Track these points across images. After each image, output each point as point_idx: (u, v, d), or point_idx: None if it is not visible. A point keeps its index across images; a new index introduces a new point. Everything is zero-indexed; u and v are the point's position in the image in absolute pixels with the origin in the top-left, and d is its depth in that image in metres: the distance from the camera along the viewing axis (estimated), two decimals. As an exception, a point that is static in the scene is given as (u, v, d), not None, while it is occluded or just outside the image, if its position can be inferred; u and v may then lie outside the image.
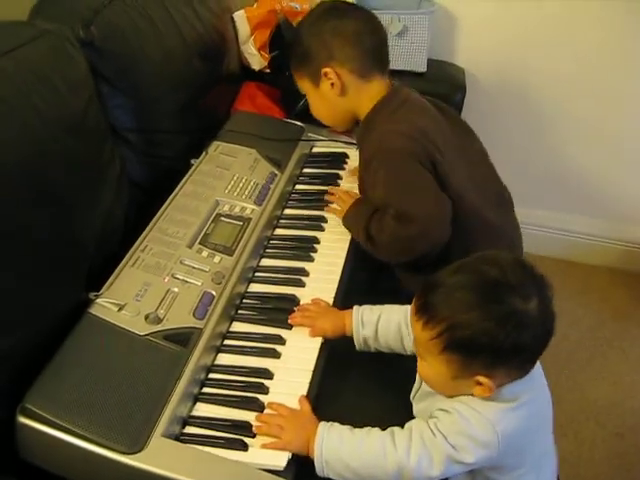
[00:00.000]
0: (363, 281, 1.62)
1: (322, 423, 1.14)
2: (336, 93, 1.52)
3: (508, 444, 1.08)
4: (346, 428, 1.13)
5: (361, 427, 1.14)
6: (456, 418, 1.08)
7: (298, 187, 1.78)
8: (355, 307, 1.36)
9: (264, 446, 1.13)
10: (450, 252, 1.35)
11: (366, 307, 1.36)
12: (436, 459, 1.07)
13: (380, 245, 1.46)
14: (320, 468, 1.11)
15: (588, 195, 2.64)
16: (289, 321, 1.36)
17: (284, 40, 1.99)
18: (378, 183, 1.45)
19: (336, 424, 1.14)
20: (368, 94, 1.52)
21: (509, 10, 2.22)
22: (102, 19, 1.49)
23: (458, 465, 1.08)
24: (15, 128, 1.15)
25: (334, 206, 1.67)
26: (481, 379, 1.06)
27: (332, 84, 1.51)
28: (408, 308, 1.24)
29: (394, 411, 1.28)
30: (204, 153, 1.73)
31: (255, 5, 2.12)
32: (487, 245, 1.34)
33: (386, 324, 1.32)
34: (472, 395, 1.10)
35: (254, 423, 1.17)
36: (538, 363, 1.14)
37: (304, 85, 1.58)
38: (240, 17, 2.07)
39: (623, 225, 2.69)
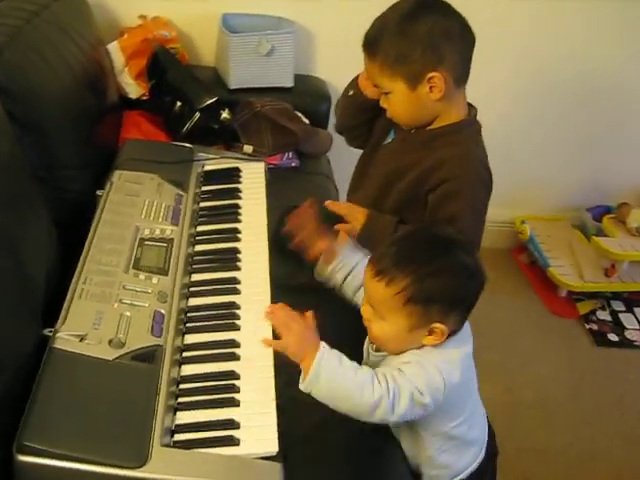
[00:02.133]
0: (283, 277, 1.66)
1: (324, 344, 1.23)
2: (434, 98, 1.44)
3: (450, 391, 1.23)
4: (343, 355, 1.23)
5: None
6: (414, 365, 1.23)
7: (203, 204, 1.84)
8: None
9: (266, 341, 1.28)
10: None
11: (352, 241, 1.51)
12: (402, 397, 1.20)
13: None
14: (309, 382, 1.19)
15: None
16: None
17: (162, 67, 2.05)
18: (450, 197, 1.44)
19: (335, 349, 1.23)
20: (458, 102, 1.50)
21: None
22: (4, 61, 1.50)
23: (418, 406, 1.22)
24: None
25: (346, 226, 1.56)
26: (437, 326, 1.22)
27: (431, 88, 1.42)
28: None
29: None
30: (109, 183, 1.75)
31: (126, 36, 2.16)
32: None
33: (361, 269, 1.39)
34: (422, 347, 1.25)
35: (268, 309, 1.32)
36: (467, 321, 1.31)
37: (393, 85, 1.45)
38: (114, 48, 2.11)
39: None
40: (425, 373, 1.21)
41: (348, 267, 1.47)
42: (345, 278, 1.47)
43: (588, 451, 2.22)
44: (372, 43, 1.46)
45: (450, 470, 1.39)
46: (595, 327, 2.73)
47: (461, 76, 1.47)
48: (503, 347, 2.58)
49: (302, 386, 1.20)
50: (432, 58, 1.40)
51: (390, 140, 1.65)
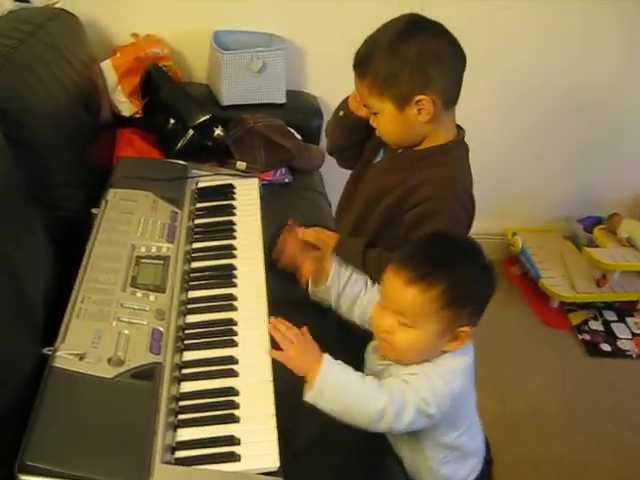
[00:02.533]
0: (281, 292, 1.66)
1: (327, 357, 1.24)
2: (422, 120, 1.44)
3: (455, 400, 1.25)
4: (349, 366, 1.24)
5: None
6: (421, 377, 1.24)
7: (198, 221, 1.85)
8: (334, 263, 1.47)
9: (272, 354, 1.29)
10: None
11: (340, 260, 1.49)
12: (408, 408, 1.21)
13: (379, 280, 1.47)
14: (314, 394, 1.21)
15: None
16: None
17: (155, 85, 2.06)
18: (428, 217, 1.46)
19: (339, 361, 1.25)
20: (446, 124, 1.51)
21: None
22: (0, 81, 1.51)
23: (424, 417, 1.23)
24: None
25: (315, 253, 1.59)
26: (464, 330, 1.24)
27: (419, 110, 1.43)
28: (366, 278, 1.45)
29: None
30: (104, 201, 1.76)
31: (118, 54, 2.18)
32: None
33: (353, 284, 1.45)
34: (443, 353, 1.27)
35: (271, 323, 1.32)
36: None
37: (381, 105, 1.46)
38: (107, 66, 2.13)
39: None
40: (430, 383, 1.23)
41: (339, 284, 1.47)
42: (339, 295, 1.47)
43: (581, 461, 2.24)
44: (362, 62, 1.47)
45: None
46: (587, 337, 2.75)
47: (450, 98, 1.47)
48: (495, 358, 2.60)
49: (307, 398, 1.22)
50: (420, 81, 1.41)
51: (379, 159, 1.66)
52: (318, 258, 1.50)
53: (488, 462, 1.48)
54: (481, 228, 2.95)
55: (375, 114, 1.50)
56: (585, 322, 2.82)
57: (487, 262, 1.27)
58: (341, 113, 1.68)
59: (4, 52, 1.61)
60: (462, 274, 1.23)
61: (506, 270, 3.07)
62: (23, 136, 1.55)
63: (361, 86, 1.48)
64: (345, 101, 1.68)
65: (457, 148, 1.53)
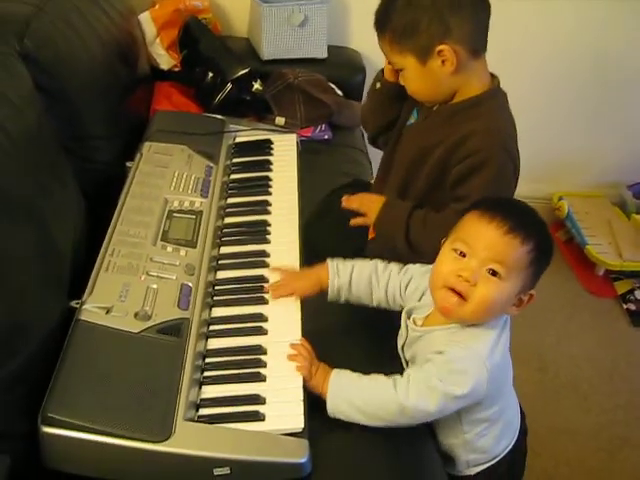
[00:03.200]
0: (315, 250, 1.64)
1: (334, 371, 1.24)
2: (447, 72, 1.40)
3: (494, 375, 1.20)
4: (355, 375, 1.24)
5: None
6: (449, 357, 1.19)
7: (233, 176, 1.83)
8: (328, 260, 1.43)
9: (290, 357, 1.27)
10: None
11: (339, 259, 1.44)
12: (433, 399, 1.18)
13: (423, 243, 1.48)
14: (331, 408, 1.22)
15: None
16: (272, 295, 1.42)
17: (194, 37, 2.02)
18: (477, 169, 1.40)
19: (345, 371, 1.25)
20: (477, 74, 1.45)
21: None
22: (34, 31, 1.49)
23: (453, 401, 1.19)
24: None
25: (359, 219, 1.60)
26: (532, 292, 1.23)
27: (443, 62, 1.39)
28: (377, 262, 1.41)
29: (381, 366, 1.34)
30: (139, 155, 1.75)
31: (157, 6, 2.14)
32: None
33: (358, 275, 1.40)
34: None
35: (290, 351, 1.29)
36: None
37: (404, 61, 1.43)
38: (145, 18, 2.09)
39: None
40: (460, 365, 1.19)
41: (344, 286, 1.42)
42: (349, 295, 1.43)
43: (620, 435, 2.18)
44: (380, 18, 1.44)
45: (487, 454, 1.36)
46: (633, 307, 2.66)
47: (475, 47, 1.41)
48: (537, 326, 2.54)
49: (328, 412, 1.22)
50: (439, 30, 1.36)
51: (413, 121, 1.61)
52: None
53: (523, 432, 1.43)
54: (526, 191, 2.89)
55: (401, 71, 1.47)
56: (631, 291, 2.72)
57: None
58: (378, 85, 1.63)
59: (39, 1, 1.58)
60: (545, 234, 1.23)
61: (551, 235, 2.98)
62: (56, 86, 1.53)
63: (383, 43, 1.45)
64: (380, 73, 1.63)
65: (493, 97, 1.47)
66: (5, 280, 1.11)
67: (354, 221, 1.59)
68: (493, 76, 1.50)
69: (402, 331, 1.37)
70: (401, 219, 1.49)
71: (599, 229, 2.80)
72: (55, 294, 1.29)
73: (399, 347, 1.38)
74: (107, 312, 1.29)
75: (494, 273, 1.17)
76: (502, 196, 1.40)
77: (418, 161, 1.53)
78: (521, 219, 1.20)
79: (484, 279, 1.18)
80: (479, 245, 1.19)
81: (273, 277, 1.48)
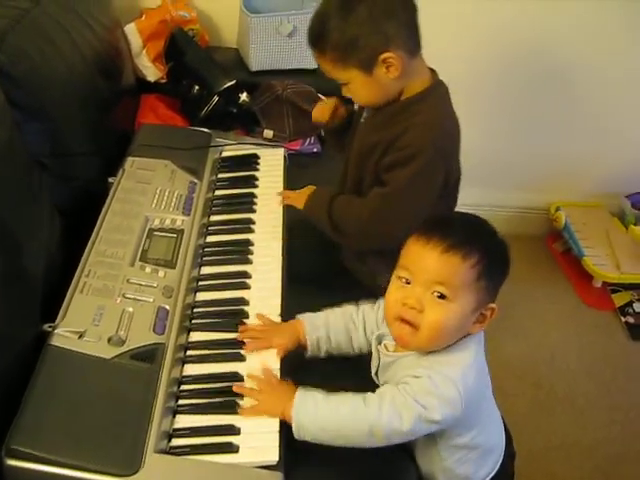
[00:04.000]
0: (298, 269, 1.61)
1: (299, 390, 1.19)
2: (392, 77, 1.42)
3: (469, 400, 1.16)
4: (320, 394, 1.18)
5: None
6: (424, 380, 1.15)
7: (218, 193, 1.79)
8: (299, 316, 1.40)
9: (243, 412, 1.21)
10: None
11: (310, 314, 1.41)
12: (406, 417, 1.13)
13: (345, 223, 1.53)
14: (296, 431, 1.16)
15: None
16: (247, 348, 1.35)
17: (179, 49, 1.99)
18: (403, 163, 1.44)
19: (312, 390, 1.19)
20: (418, 71, 1.48)
21: None
22: (8, 45, 1.45)
23: (427, 424, 1.14)
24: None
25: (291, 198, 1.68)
26: (492, 306, 1.19)
27: (388, 68, 1.41)
28: (348, 308, 1.39)
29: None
30: (121, 170, 1.71)
31: (144, 17, 2.11)
32: None
33: (334, 324, 1.38)
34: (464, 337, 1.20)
35: (235, 389, 1.25)
36: None
37: (348, 75, 1.44)
38: (131, 30, 2.06)
39: (508, 192, 2.86)
40: (435, 388, 1.13)
41: (323, 333, 1.38)
42: (329, 342, 1.39)
43: (617, 452, 2.13)
44: (317, 39, 1.45)
45: None
46: (632, 320, 2.61)
47: (413, 47, 1.45)
48: (532, 339, 2.50)
49: (295, 435, 1.17)
50: (380, 40, 1.39)
51: (366, 115, 1.61)
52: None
53: (509, 456, 1.39)
54: (523, 202, 2.88)
55: (346, 84, 1.48)
56: (629, 304, 2.67)
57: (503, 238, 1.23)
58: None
59: (16, 14, 1.55)
60: (492, 244, 1.20)
61: (548, 246, 2.94)
62: (31, 102, 1.50)
63: (324, 62, 1.46)
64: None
65: (433, 93, 1.49)
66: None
67: (285, 196, 1.68)
68: (431, 70, 1.53)
69: (374, 357, 1.33)
70: (324, 201, 1.55)
71: (597, 240, 2.75)
72: (25, 318, 1.26)
73: (372, 373, 1.34)
74: (80, 337, 1.26)
75: (441, 296, 1.14)
76: (423, 192, 1.46)
77: (365, 157, 1.55)
78: (461, 234, 1.17)
79: (431, 303, 1.15)
80: (419, 269, 1.16)
81: (255, 296, 1.46)
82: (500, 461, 1.36)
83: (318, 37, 1.44)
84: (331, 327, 1.37)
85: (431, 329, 1.15)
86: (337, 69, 1.44)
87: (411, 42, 1.44)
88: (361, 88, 1.46)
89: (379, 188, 1.49)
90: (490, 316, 1.19)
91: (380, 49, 1.39)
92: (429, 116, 1.46)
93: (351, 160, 1.63)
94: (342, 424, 1.14)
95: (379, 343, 1.30)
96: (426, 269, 1.16)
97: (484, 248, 1.16)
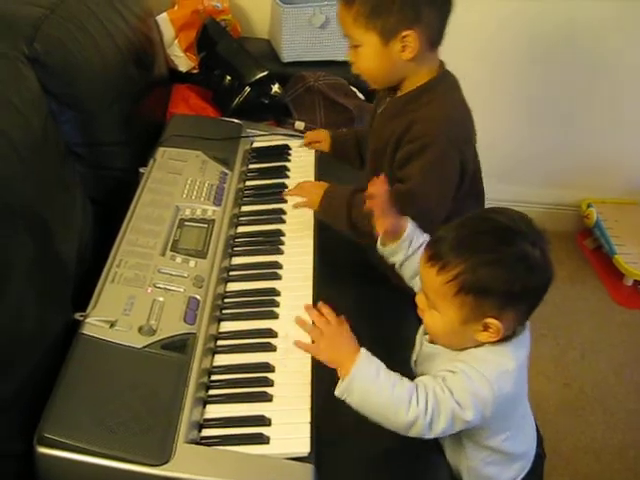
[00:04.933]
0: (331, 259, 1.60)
1: (363, 350, 1.14)
2: (405, 57, 1.42)
3: (500, 404, 1.14)
4: (383, 366, 1.14)
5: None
6: (460, 376, 1.13)
7: (249, 183, 1.79)
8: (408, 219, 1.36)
9: (297, 343, 1.20)
10: None
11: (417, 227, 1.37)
12: (442, 414, 1.11)
13: (363, 221, 1.46)
14: (343, 390, 1.11)
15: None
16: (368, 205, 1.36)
17: (211, 39, 1.98)
18: (415, 155, 1.43)
19: (374, 358, 1.15)
20: (428, 65, 1.48)
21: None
22: (43, 34, 1.45)
23: (459, 422, 1.13)
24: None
25: (299, 200, 1.61)
26: (490, 321, 1.12)
27: (403, 47, 1.40)
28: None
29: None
30: (152, 160, 1.71)
31: (176, 7, 2.11)
32: None
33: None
34: (477, 345, 1.16)
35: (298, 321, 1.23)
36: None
37: (364, 37, 1.42)
38: (164, 20, 2.06)
39: (538, 189, 2.83)
40: (471, 385, 1.11)
41: (409, 249, 1.35)
42: (404, 259, 1.36)
43: (648, 454, 2.10)
44: None
45: None
46: (664, 320, 2.58)
47: (436, 39, 1.45)
48: (562, 337, 2.47)
49: (337, 392, 1.12)
50: (410, 15, 1.38)
51: (381, 109, 1.60)
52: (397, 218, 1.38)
53: (540, 457, 1.36)
54: (553, 198, 2.85)
55: (356, 47, 1.46)
56: (661, 303, 2.64)
57: (531, 253, 1.11)
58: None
59: (51, 3, 1.55)
60: (482, 259, 1.10)
61: (579, 243, 2.91)
62: (66, 91, 1.49)
63: (346, 15, 1.43)
64: None
65: (441, 83, 1.48)
66: (3, 294, 1.08)
67: (296, 204, 1.60)
68: (440, 62, 1.51)
69: (416, 346, 1.32)
70: (343, 200, 1.50)
71: (628, 238, 2.71)
72: (58, 307, 1.26)
73: (412, 362, 1.33)
74: (111, 326, 1.25)
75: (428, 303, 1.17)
76: (441, 183, 1.43)
77: (380, 151, 1.55)
78: (447, 246, 1.13)
79: (427, 307, 1.18)
80: (420, 275, 1.20)
81: (286, 286, 1.46)
82: (528, 467, 1.33)
83: None
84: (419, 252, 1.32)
85: (428, 329, 1.22)
86: (357, 26, 1.42)
87: (436, 33, 1.44)
88: (370, 55, 1.44)
89: (398, 184, 1.45)
90: (495, 331, 1.13)
91: (406, 24, 1.38)
92: (437, 106, 1.45)
93: (368, 159, 1.63)
94: (391, 407, 1.10)
95: (424, 333, 1.29)
96: (420, 277, 1.20)
97: (471, 262, 1.10)
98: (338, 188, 1.56)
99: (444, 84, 1.48)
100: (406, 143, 1.45)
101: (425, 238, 1.34)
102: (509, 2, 2.42)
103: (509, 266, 1.10)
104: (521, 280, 1.10)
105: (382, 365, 1.13)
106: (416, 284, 1.35)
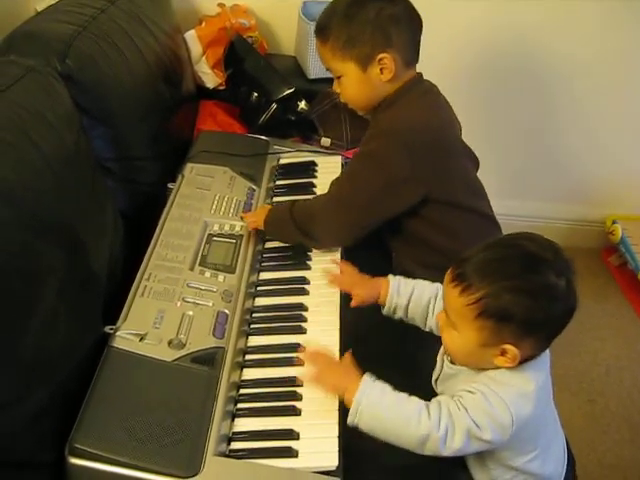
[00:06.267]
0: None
1: (367, 375, 1.16)
2: (384, 79, 1.50)
3: (521, 428, 1.13)
4: (389, 386, 1.16)
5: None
6: (478, 397, 1.13)
7: (276, 199, 1.80)
8: (391, 276, 1.41)
9: (305, 378, 1.24)
10: (454, 244, 1.43)
11: (401, 278, 1.41)
12: (457, 432, 1.11)
13: (312, 225, 1.54)
14: (353, 416, 1.13)
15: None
16: (329, 282, 1.46)
17: (238, 56, 2.00)
18: (359, 155, 1.57)
19: (379, 381, 1.17)
20: (406, 81, 1.54)
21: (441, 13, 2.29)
22: (75, 51, 1.48)
23: (476, 442, 1.12)
24: (12, 164, 1.14)
25: (249, 220, 1.63)
26: (508, 347, 1.11)
27: (382, 70, 1.49)
28: (438, 286, 1.34)
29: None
30: (180, 176, 1.73)
31: (204, 24, 2.13)
32: (489, 234, 1.42)
33: (418, 299, 1.37)
34: (494, 368, 1.15)
35: (300, 355, 1.29)
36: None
37: (344, 68, 1.53)
38: (191, 37, 2.08)
39: (563, 205, 2.82)
40: (488, 406, 1.11)
41: (401, 298, 1.39)
42: (406, 313, 1.40)
43: (676, 474, 2.07)
44: (323, 28, 1.53)
45: None
46: (688, 336, 2.55)
47: (410, 58, 1.53)
48: (587, 353, 2.45)
49: (348, 419, 1.14)
50: (381, 40, 1.47)
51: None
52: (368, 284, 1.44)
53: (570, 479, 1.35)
54: (578, 214, 2.84)
55: (339, 78, 1.55)
56: (687, 320, 2.62)
57: (555, 282, 1.09)
58: None
59: (83, 21, 1.58)
60: (506, 286, 1.09)
61: (604, 260, 2.89)
62: (97, 107, 1.52)
63: (324, 50, 1.55)
64: None
65: (408, 91, 1.53)
66: (36, 307, 1.09)
67: (249, 225, 1.61)
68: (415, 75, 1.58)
69: (437, 365, 1.32)
70: (284, 212, 1.56)
71: (654, 254, 2.69)
72: (89, 320, 1.28)
73: (433, 380, 1.33)
74: (141, 339, 1.27)
75: (447, 322, 1.18)
76: (379, 178, 1.47)
77: None
78: (473, 268, 1.12)
79: (446, 326, 1.19)
80: (443, 294, 1.20)
81: (313, 302, 1.47)
82: None
83: (324, 27, 1.53)
84: (413, 300, 1.37)
85: (446, 347, 1.22)
86: (336, 59, 1.52)
87: (409, 52, 1.52)
88: (353, 83, 1.53)
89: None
90: (512, 357, 1.12)
91: (379, 48, 1.47)
92: (398, 113, 1.52)
93: None
94: (401, 423, 1.11)
95: (445, 354, 1.29)
96: (442, 295, 1.20)
97: (495, 288, 1.09)
98: (279, 204, 1.65)
99: (414, 91, 1.54)
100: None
101: (415, 282, 1.39)
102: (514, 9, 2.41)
103: (533, 295, 1.09)
104: (543, 310, 1.10)
105: (387, 386, 1.15)
106: (428, 326, 1.38)
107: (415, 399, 1.14)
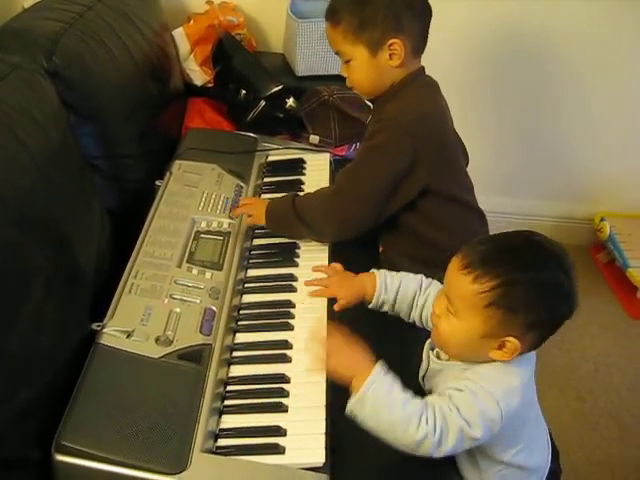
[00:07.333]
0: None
1: (379, 364, 1.14)
2: (393, 65, 1.52)
3: (508, 420, 1.13)
4: (398, 382, 1.14)
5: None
6: (467, 394, 1.13)
7: (264, 197, 1.79)
8: (376, 271, 1.41)
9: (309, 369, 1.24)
10: (444, 237, 1.48)
11: (387, 273, 1.41)
12: (451, 433, 1.11)
13: (316, 219, 1.55)
14: (354, 405, 1.11)
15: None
16: (313, 294, 1.44)
17: (227, 54, 2.00)
18: (366, 140, 1.55)
19: (389, 374, 1.14)
20: (411, 72, 1.56)
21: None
22: (62, 48, 1.48)
23: (468, 440, 1.13)
24: (1, 162, 1.14)
25: (248, 217, 1.63)
26: (511, 340, 1.11)
27: (391, 55, 1.50)
28: (422, 278, 1.37)
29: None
30: (168, 173, 1.73)
31: (192, 22, 2.13)
32: (477, 227, 1.44)
33: (404, 292, 1.38)
34: (486, 361, 1.16)
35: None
36: None
37: (354, 51, 1.53)
38: (179, 34, 2.08)
39: (551, 202, 2.83)
40: (477, 403, 1.11)
41: (389, 298, 1.39)
42: (393, 306, 1.40)
43: (663, 470, 2.09)
44: (334, 12, 1.53)
45: None
46: (677, 334, 2.57)
47: (419, 47, 1.55)
48: (576, 351, 2.46)
49: (349, 404, 1.12)
50: (393, 25, 1.48)
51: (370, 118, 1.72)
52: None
53: (554, 473, 1.36)
54: (566, 212, 2.85)
55: (348, 62, 1.56)
56: (676, 317, 2.63)
57: (564, 282, 1.11)
58: None
59: (70, 18, 1.58)
60: (521, 278, 1.10)
61: (592, 257, 2.90)
62: (84, 104, 1.52)
63: (335, 33, 1.54)
64: None
65: (413, 81, 1.56)
66: (23, 305, 1.09)
67: (244, 221, 1.61)
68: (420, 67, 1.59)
69: (424, 362, 1.32)
70: (287, 205, 1.55)
71: (642, 251, 2.70)
72: (76, 318, 1.27)
73: (420, 377, 1.33)
74: (128, 336, 1.27)
75: (451, 310, 1.16)
76: (384, 170, 1.48)
77: None
78: (488, 256, 1.12)
79: (445, 314, 1.17)
80: (446, 281, 1.19)
81: (301, 299, 1.46)
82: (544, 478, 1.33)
83: (336, 10, 1.53)
84: (400, 295, 1.38)
85: (441, 337, 1.20)
86: (346, 42, 1.52)
87: (418, 41, 1.54)
88: (361, 68, 1.54)
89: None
90: (512, 349, 1.13)
91: (391, 33, 1.48)
92: (400, 105, 1.53)
93: None
94: (402, 419, 1.10)
95: (431, 349, 1.29)
96: (447, 282, 1.18)
97: (511, 277, 1.09)
98: (278, 199, 1.62)
99: (414, 83, 1.55)
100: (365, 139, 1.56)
101: (400, 276, 1.39)
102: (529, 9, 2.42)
103: (545, 291, 1.10)
104: (552, 307, 1.11)
105: (397, 381, 1.13)
106: (413, 318, 1.39)
107: (419, 401, 1.13)
